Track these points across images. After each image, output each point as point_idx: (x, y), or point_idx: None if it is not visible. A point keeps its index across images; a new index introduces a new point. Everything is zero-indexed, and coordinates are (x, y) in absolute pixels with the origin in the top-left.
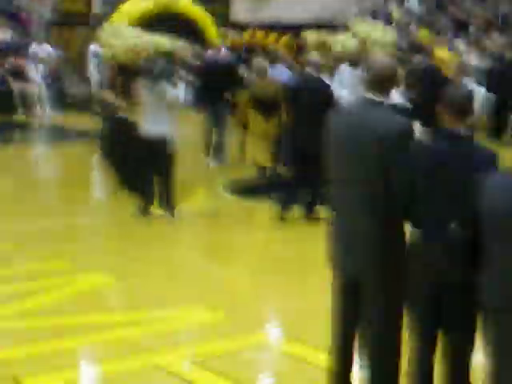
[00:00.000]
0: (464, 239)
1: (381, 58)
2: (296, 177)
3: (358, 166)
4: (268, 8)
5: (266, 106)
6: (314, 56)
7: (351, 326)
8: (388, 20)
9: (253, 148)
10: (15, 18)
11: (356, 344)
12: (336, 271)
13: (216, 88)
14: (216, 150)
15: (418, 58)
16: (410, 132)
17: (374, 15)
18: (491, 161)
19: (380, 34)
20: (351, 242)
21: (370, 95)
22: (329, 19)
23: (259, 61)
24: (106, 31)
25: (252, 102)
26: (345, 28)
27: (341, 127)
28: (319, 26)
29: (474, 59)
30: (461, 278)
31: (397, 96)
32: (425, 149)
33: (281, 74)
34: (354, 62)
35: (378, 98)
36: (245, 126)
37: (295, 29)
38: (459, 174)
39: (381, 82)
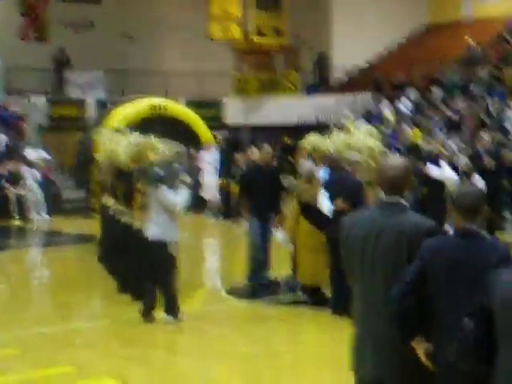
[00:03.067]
0: (476, 333)
1: (394, 160)
2: None
3: (382, 270)
4: (259, 111)
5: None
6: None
7: None
8: (381, 121)
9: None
10: (8, 123)
11: None
12: (359, 372)
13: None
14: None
15: (413, 159)
16: (437, 231)
17: (368, 117)
18: (506, 255)
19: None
20: (375, 345)
21: (388, 198)
22: (320, 121)
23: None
24: (104, 136)
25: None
26: (338, 129)
27: (363, 231)
28: (310, 127)
29: (463, 159)
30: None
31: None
32: (442, 245)
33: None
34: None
35: (395, 200)
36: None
37: (285, 130)
38: (475, 270)
39: (396, 184)
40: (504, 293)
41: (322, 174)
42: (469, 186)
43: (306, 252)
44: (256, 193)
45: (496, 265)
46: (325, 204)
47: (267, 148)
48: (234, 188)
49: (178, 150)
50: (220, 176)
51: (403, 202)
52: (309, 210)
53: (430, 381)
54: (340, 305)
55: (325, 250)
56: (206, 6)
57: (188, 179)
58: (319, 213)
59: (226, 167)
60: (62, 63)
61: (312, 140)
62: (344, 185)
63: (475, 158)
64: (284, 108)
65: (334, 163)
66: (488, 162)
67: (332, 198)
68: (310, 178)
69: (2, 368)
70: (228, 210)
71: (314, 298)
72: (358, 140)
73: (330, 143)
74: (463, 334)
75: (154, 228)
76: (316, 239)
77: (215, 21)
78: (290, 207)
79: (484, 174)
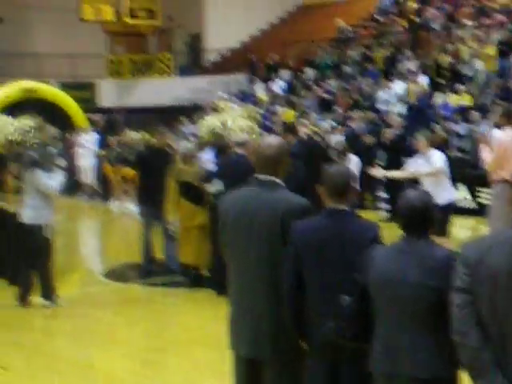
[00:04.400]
0: (353, 308)
1: (269, 139)
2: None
3: (257, 245)
4: (133, 93)
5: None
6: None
7: None
8: (255, 102)
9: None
10: None
11: None
12: (235, 350)
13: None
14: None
15: (290, 138)
16: (309, 210)
17: (242, 97)
18: (375, 234)
19: (234, 118)
20: (251, 323)
21: (262, 176)
22: (195, 102)
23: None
24: None
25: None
26: (212, 110)
27: (237, 208)
28: (185, 108)
29: (337, 138)
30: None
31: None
32: (311, 226)
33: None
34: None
35: (270, 179)
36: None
37: (159, 112)
38: (345, 250)
39: (271, 163)
40: (377, 269)
41: (207, 156)
42: (337, 166)
43: (188, 232)
44: (150, 175)
45: (367, 243)
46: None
47: (163, 131)
48: (109, 170)
49: (52, 133)
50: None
51: (278, 180)
52: (189, 190)
53: (304, 358)
54: (222, 284)
55: (206, 231)
56: None
57: (62, 162)
58: (198, 191)
59: (100, 149)
60: None
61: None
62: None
63: (351, 136)
64: (158, 89)
65: (220, 144)
66: (368, 139)
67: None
68: (189, 159)
69: None
70: (104, 192)
71: (193, 278)
72: (235, 120)
73: (207, 125)
74: (340, 310)
75: (28, 211)
76: (197, 219)
77: (87, 2)
78: (169, 189)
79: (360, 152)
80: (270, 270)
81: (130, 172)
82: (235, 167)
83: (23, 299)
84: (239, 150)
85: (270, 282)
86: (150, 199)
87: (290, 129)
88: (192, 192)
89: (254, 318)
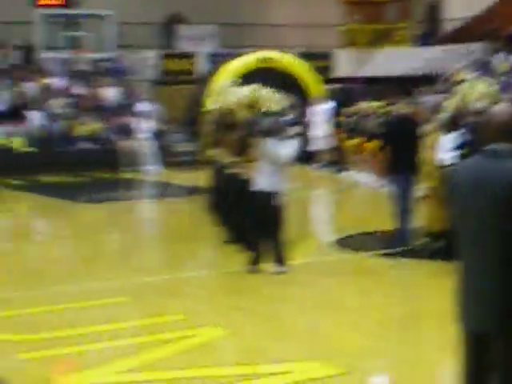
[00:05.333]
0: None
1: (501, 107)
2: None
3: (489, 217)
4: (370, 63)
5: None
6: None
7: (480, 381)
8: (493, 73)
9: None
10: (120, 77)
11: None
12: (464, 325)
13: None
14: None
15: None
16: None
17: (479, 68)
18: None
19: (481, 87)
20: (478, 299)
21: (495, 145)
22: (430, 72)
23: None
24: (215, 89)
25: None
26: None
27: (469, 179)
28: (422, 78)
29: None
30: None
31: None
32: None
33: None
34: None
35: (502, 147)
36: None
37: (398, 81)
38: None
39: (502, 132)
40: None
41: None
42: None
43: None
44: (399, 145)
45: None
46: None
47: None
48: (344, 140)
49: (288, 102)
50: (332, 127)
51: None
52: None
53: None
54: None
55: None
56: None
57: (297, 131)
58: None
59: (336, 119)
60: (174, 18)
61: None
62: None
63: None
64: (394, 59)
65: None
66: None
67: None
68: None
69: (113, 315)
70: (337, 161)
71: (431, 249)
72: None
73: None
74: None
75: (262, 179)
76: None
77: None
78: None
79: None
80: (501, 242)
81: (364, 142)
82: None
83: (254, 265)
84: (476, 119)
85: (502, 254)
86: (401, 169)
87: None
88: None
89: (484, 291)
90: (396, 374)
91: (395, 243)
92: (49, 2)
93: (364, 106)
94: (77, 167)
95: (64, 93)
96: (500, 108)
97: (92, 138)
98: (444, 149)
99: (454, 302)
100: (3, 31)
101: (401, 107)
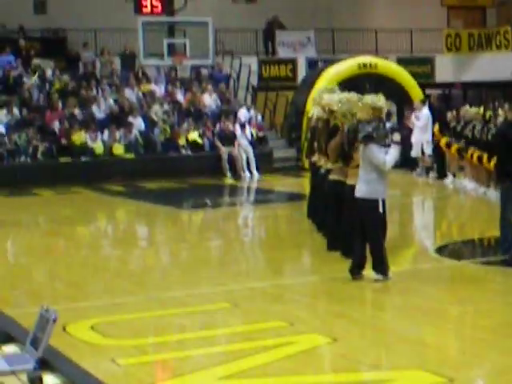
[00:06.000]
0: None
1: None
2: None
3: None
4: (471, 68)
5: None
6: None
7: None
8: None
9: None
10: (219, 84)
11: None
12: None
13: None
14: None
15: None
16: None
17: None
18: None
19: None
20: None
21: None
22: None
23: None
24: (315, 95)
25: None
26: None
27: None
28: None
29: None
30: None
31: None
32: None
33: None
34: None
35: None
36: None
37: (499, 86)
38: None
39: None
40: None
41: None
42: None
43: None
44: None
45: None
46: None
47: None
48: (445, 145)
49: (389, 108)
50: (432, 134)
51: None
52: None
53: None
54: None
55: None
56: None
57: (398, 137)
58: None
59: (437, 126)
60: (273, 24)
61: None
62: None
63: None
64: (497, 64)
65: None
66: None
67: None
68: None
69: (212, 321)
70: (439, 168)
71: None
72: None
73: None
74: None
75: (363, 186)
76: None
77: None
78: None
79: None
80: None
81: (468, 148)
82: None
83: (355, 272)
84: None
85: None
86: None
87: None
88: None
89: None
90: None
91: (500, 251)
92: (149, 10)
93: (469, 111)
94: (178, 174)
95: (165, 99)
96: None
97: (193, 144)
98: None
99: None
100: (106, 38)
101: (507, 113)
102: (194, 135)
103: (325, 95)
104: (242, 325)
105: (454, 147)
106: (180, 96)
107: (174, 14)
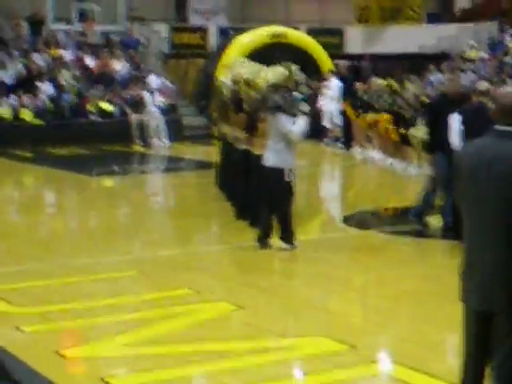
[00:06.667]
0: None
1: (508, 89)
2: None
3: (493, 198)
4: (381, 40)
5: None
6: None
7: (483, 358)
8: (505, 51)
9: None
10: (130, 50)
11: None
12: (467, 302)
13: None
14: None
15: None
16: None
17: (492, 46)
18: None
19: None
20: (483, 273)
21: (501, 127)
22: (442, 50)
23: None
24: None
25: None
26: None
27: (473, 159)
28: (432, 56)
29: None
30: None
31: None
32: None
33: None
34: None
35: (509, 129)
36: None
37: (408, 59)
38: None
39: (508, 114)
40: None
41: None
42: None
43: None
44: (439, 122)
45: None
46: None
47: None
48: (353, 117)
49: (299, 78)
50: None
51: None
52: None
53: None
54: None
55: None
56: None
57: (307, 107)
58: None
59: (346, 96)
60: None
61: None
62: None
63: None
64: (405, 37)
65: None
66: None
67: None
68: None
69: (120, 289)
70: (347, 138)
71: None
72: None
73: None
74: None
75: (271, 155)
76: None
77: None
78: None
79: None
80: (506, 223)
81: (375, 118)
82: (475, 116)
83: (263, 241)
84: (481, 99)
85: (506, 234)
86: (441, 147)
87: None
88: None
89: (488, 270)
90: (400, 351)
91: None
92: None
93: (377, 82)
94: (87, 140)
95: (74, 65)
96: (508, 89)
97: (102, 110)
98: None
99: (459, 281)
100: (13, 2)
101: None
102: (103, 101)
103: (235, 64)
104: (149, 293)
105: (364, 118)
106: (90, 61)
107: None
